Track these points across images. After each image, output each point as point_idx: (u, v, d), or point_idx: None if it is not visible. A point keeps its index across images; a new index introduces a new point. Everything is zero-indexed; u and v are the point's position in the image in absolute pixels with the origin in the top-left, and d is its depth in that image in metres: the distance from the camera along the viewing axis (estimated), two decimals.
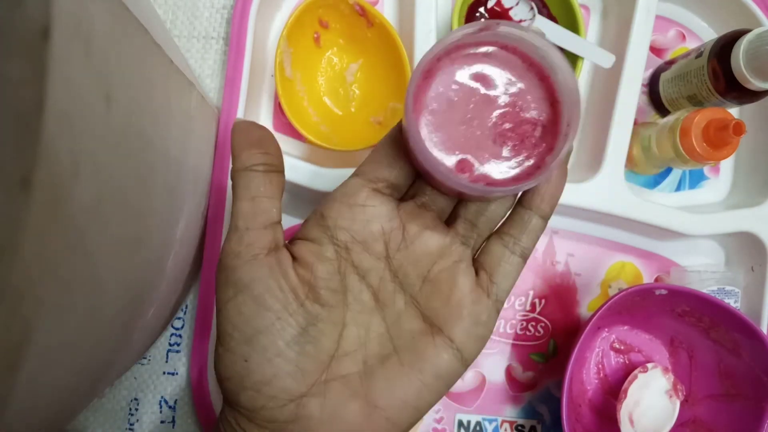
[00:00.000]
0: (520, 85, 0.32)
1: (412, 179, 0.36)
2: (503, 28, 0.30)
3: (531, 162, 0.32)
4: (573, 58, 0.60)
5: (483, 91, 0.32)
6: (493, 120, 0.32)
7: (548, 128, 0.32)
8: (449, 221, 0.37)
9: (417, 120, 0.31)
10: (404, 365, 0.33)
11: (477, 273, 0.35)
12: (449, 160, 0.32)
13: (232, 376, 0.32)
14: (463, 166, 0.32)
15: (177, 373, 0.62)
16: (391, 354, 0.34)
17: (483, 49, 0.32)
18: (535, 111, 0.32)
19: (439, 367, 0.33)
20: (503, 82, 0.32)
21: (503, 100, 0.32)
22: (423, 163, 0.30)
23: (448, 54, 0.32)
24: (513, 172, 0.32)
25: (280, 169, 0.35)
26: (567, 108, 0.31)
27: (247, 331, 0.31)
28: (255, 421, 0.32)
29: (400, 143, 0.34)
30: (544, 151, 0.32)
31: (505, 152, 0.32)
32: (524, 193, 0.34)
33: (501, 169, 0.32)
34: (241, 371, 0.31)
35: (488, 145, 0.32)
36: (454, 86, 0.32)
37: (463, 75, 0.32)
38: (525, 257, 0.35)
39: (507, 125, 0.32)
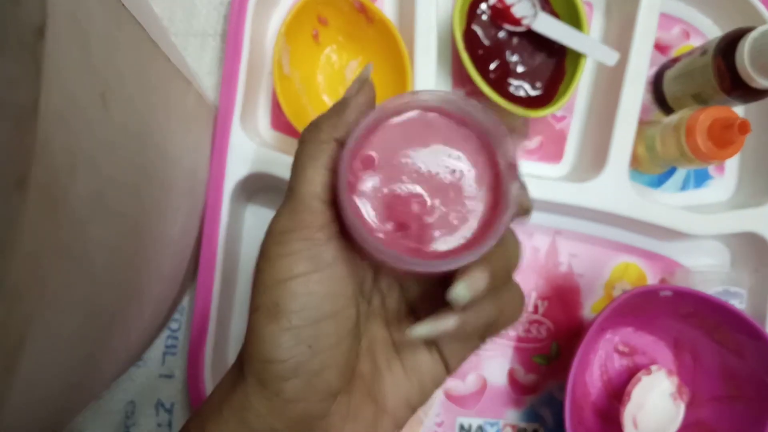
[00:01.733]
0: (464, 160, 0.30)
1: None
2: (455, 100, 0.29)
3: (465, 239, 0.30)
4: (576, 56, 0.60)
5: (423, 161, 0.30)
6: (430, 194, 0.30)
7: (487, 207, 0.30)
8: None
9: (352, 188, 0.30)
10: (406, 370, 0.33)
11: None
12: (383, 231, 0.30)
13: (287, 360, 0.29)
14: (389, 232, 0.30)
15: (174, 376, 0.61)
16: (395, 358, 0.34)
17: (431, 115, 0.30)
18: (476, 188, 0.30)
19: (434, 374, 0.34)
20: (448, 155, 0.30)
21: (445, 173, 0.30)
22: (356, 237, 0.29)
23: (390, 117, 0.30)
24: (444, 248, 0.30)
25: None
26: (506, 190, 0.29)
27: (314, 314, 0.29)
28: (288, 413, 0.30)
29: None
30: (480, 230, 0.30)
31: (439, 226, 0.30)
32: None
33: (434, 243, 0.30)
34: (300, 357, 0.29)
35: (421, 219, 0.30)
36: (396, 153, 0.30)
37: (408, 141, 0.30)
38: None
39: (443, 201, 0.30)
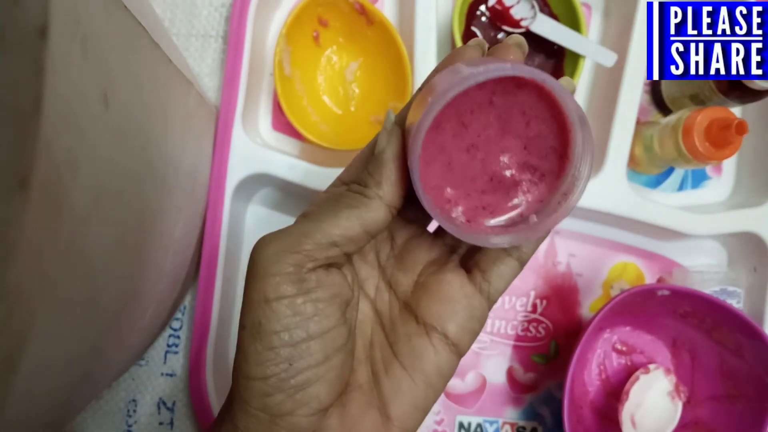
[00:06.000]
0: (538, 130, 0.30)
1: None
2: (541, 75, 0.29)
3: (519, 211, 0.31)
4: (574, 57, 0.60)
5: (497, 125, 0.31)
6: (497, 158, 0.31)
7: (549, 180, 0.31)
8: (437, 232, 0.37)
9: (421, 145, 0.29)
10: (407, 369, 0.33)
11: (471, 271, 0.34)
12: (438, 194, 0.31)
13: (269, 377, 0.29)
14: (447, 200, 0.31)
15: (175, 375, 0.61)
16: (392, 360, 0.33)
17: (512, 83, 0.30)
18: (543, 160, 0.31)
19: (439, 364, 0.33)
20: (522, 122, 0.30)
21: (515, 140, 0.31)
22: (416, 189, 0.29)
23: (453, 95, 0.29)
24: (499, 221, 0.31)
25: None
26: (574, 166, 0.30)
27: (298, 334, 0.29)
28: (275, 428, 0.30)
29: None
30: (536, 203, 0.31)
31: (500, 194, 0.31)
32: None
33: (489, 214, 0.31)
34: (282, 374, 0.29)
35: (483, 182, 0.31)
36: (469, 114, 0.31)
37: (483, 104, 0.30)
38: (522, 262, 0.34)
39: (509, 167, 0.31)
